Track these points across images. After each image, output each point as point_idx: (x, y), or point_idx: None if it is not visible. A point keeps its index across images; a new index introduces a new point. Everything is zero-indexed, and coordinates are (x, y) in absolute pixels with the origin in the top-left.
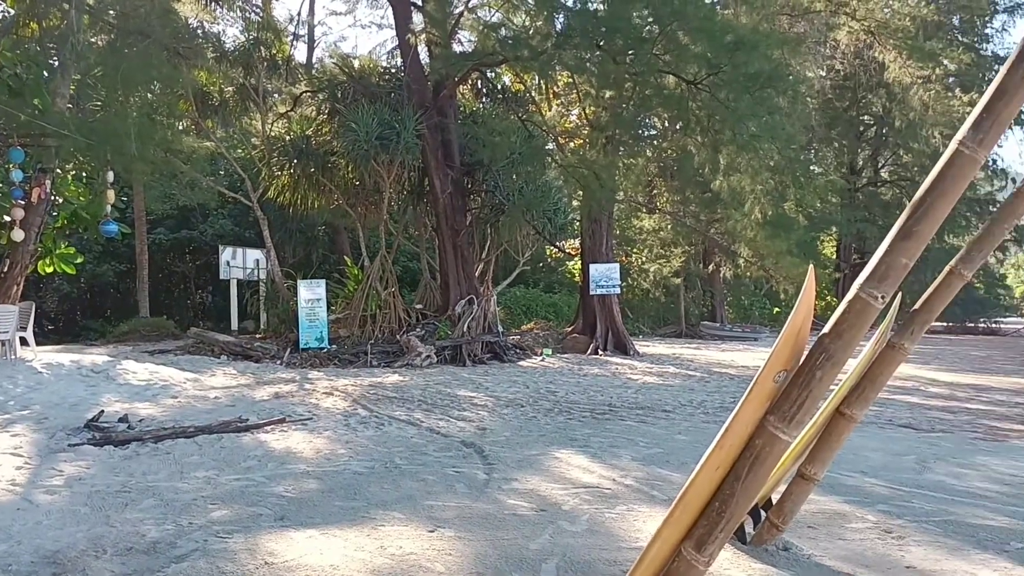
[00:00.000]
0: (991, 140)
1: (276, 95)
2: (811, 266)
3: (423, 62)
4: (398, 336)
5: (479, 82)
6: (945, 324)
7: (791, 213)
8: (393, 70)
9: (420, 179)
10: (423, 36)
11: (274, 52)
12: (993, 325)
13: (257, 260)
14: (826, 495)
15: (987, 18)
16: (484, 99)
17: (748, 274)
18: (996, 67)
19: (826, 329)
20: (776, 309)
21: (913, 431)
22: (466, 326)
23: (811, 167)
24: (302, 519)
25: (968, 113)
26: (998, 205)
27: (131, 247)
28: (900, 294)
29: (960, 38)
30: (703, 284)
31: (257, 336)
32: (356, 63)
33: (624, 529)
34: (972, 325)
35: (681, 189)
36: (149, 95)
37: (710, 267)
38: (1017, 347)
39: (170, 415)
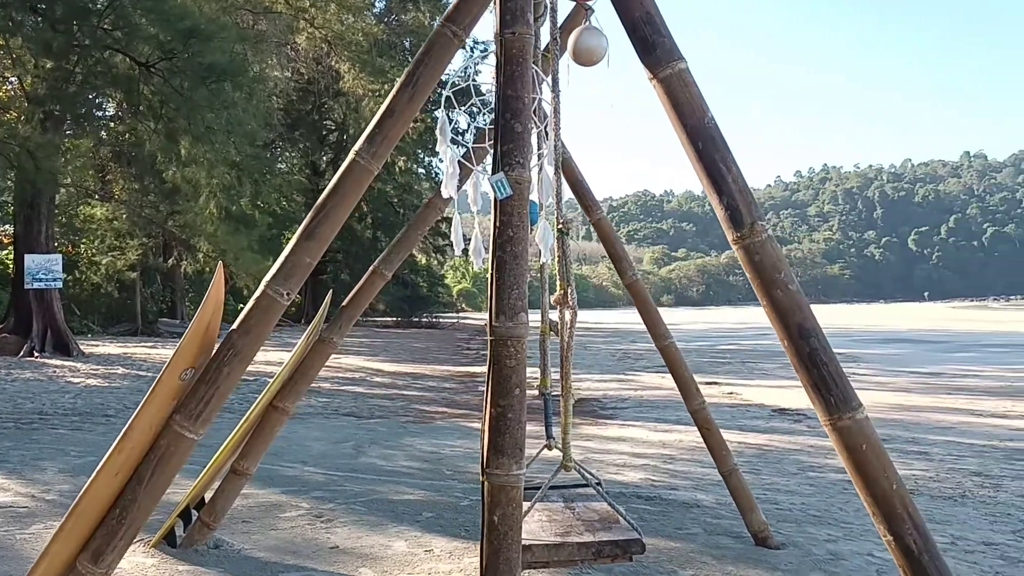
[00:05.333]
0: (383, 153)
1: None
2: (220, 263)
3: None
4: None
5: None
6: (395, 319)
7: (251, 210)
8: None
9: None
10: None
11: None
12: (434, 319)
13: None
14: (264, 488)
15: None
16: None
17: (209, 269)
18: (439, 90)
19: (235, 325)
20: (241, 305)
21: (355, 419)
22: None
23: (278, 165)
24: None
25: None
26: None
27: None
28: (331, 291)
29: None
30: (163, 279)
31: None
32: None
33: (38, 550)
34: (417, 320)
35: (139, 177)
36: None
37: (170, 261)
38: (451, 339)
39: None
